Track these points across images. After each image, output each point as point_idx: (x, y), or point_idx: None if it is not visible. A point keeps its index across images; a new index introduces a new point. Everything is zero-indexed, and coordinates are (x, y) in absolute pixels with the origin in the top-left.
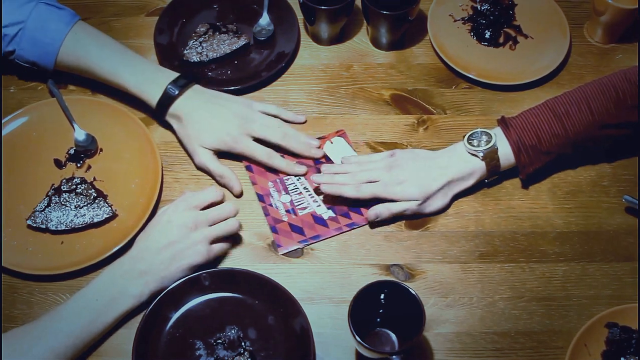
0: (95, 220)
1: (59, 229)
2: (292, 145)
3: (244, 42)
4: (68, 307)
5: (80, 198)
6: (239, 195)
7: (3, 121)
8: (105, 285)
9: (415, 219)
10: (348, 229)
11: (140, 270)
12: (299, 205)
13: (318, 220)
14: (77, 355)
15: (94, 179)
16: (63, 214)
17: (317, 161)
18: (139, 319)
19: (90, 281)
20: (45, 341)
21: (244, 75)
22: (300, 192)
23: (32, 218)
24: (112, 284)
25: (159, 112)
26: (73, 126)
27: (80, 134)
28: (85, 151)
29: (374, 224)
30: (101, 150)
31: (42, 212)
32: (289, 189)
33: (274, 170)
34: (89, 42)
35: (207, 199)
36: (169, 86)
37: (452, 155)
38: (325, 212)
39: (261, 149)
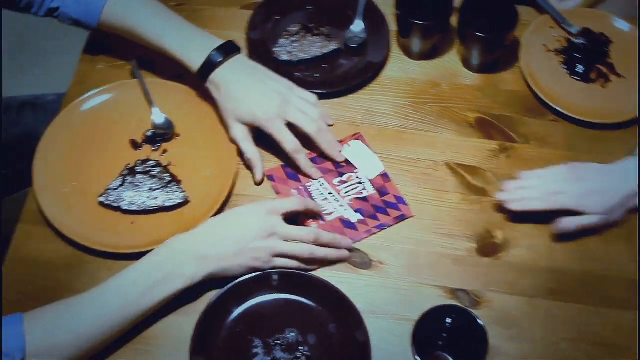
0: (167, 204)
1: (131, 209)
2: (322, 142)
3: (335, 47)
4: (119, 279)
5: (154, 181)
6: (258, 184)
7: (87, 95)
8: (161, 261)
9: (592, 233)
10: (377, 230)
11: (200, 254)
12: (325, 211)
13: (347, 224)
14: (121, 332)
15: (169, 163)
16: (136, 195)
17: (337, 164)
18: (199, 308)
19: (145, 256)
20: (92, 311)
21: (331, 80)
22: (326, 198)
23: (105, 196)
24: (168, 260)
25: (199, 78)
26: (152, 109)
27: (159, 117)
28: (162, 135)
29: (560, 236)
30: (178, 135)
31: (115, 191)
32: (313, 195)
33: (295, 178)
34: (134, 1)
35: (289, 208)
36: (212, 52)
37: (631, 168)
38: (353, 216)
39: (290, 138)
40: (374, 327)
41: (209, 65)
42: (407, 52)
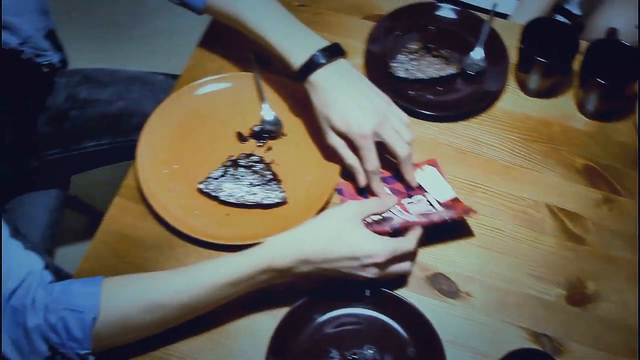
0: (265, 202)
1: (228, 200)
2: (407, 166)
3: (453, 72)
4: (215, 262)
5: (255, 176)
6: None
7: (202, 80)
8: (262, 254)
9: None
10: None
11: (304, 256)
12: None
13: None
14: (194, 314)
15: (272, 161)
16: (235, 187)
17: (408, 188)
18: (284, 309)
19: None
20: (176, 286)
21: (444, 103)
22: (394, 214)
23: (205, 183)
24: (269, 255)
25: (299, 77)
26: (263, 104)
27: (268, 114)
28: (269, 132)
29: None
30: (285, 135)
31: (216, 180)
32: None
33: (364, 195)
34: None
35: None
36: (316, 52)
37: None
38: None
39: (374, 158)
40: (450, 357)
41: (311, 65)
42: (524, 87)
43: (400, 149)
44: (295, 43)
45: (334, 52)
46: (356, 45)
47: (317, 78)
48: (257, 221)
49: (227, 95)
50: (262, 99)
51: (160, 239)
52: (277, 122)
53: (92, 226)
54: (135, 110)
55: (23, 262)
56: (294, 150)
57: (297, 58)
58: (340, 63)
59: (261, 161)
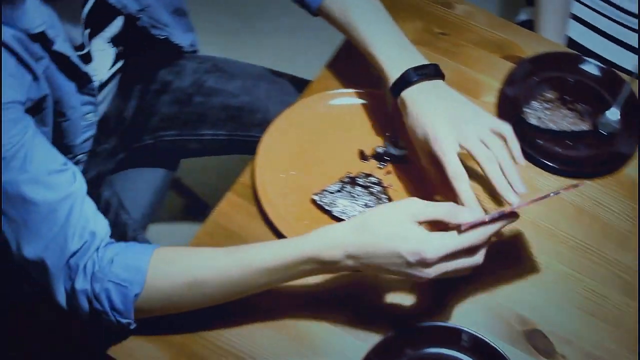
0: None
1: (340, 217)
2: (495, 176)
3: (586, 129)
4: (265, 245)
5: (371, 198)
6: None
7: (337, 91)
8: (311, 242)
9: None
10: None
11: (348, 252)
12: None
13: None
14: (238, 296)
15: (390, 185)
16: (349, 205)
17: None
18: (374, 336)
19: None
20: (225, 263)
21: (571, 158)
22: None
23: (320, 195)
24: (317, 243)
25: (392, 94)
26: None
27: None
28: (392, 156)
29: None
30: (407, 161)
31: (332, 195)
32: None
33: None
34: None
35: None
36: (410, 70)
37: None
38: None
39: (455, 160)
40: None
41: (403, 82)
42: None
43: (483, 159)
44: (393, 58)
45: (430, 71)
46: (490, 83)
47: (407, 94)
48: None
49: (356, 110)
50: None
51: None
52: (401, 147)
53: (188, 209)
54: (259, 107)
55: (90, 222)
56: (412, 178)
57: (392, 73)
58: (435, 82)
59: (379, 184)
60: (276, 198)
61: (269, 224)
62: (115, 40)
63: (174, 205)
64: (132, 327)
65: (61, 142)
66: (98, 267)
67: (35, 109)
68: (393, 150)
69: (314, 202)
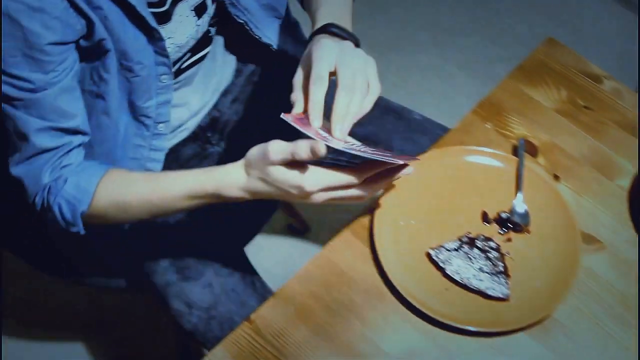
0: (489, 292)
1: (453, 277)
2: (340, 104)
3: None
4: (186, 176)
5: (487, 262)
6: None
7: (473, 148)
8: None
9: None
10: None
11: (246, 190)
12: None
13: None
14: (162, 214)
15: (508, 253)
16: (465, 267)
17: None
18: None
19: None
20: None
21: None
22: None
23: (437, 251)
24: (215, 184)
25: (309, 38)
26: (518, 194)
27: (520, 206)
28: (514, 223)
29: None
30: (529, 232)
31: (448, 252)
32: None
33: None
34: None
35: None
36: (332, 24)
37: None
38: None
39: (321, 70)
40: None
41: (321, 30)
42: None
43: (343, 80)
44: (328, 16)
45: (347, 35)
46: (627, 166)
47: (318, 38)
48: (473, 305)
49: (488, 171)
50: (518, 188)
51: (372, 287)
52: (525, 216)
53: (290, 225)
54: (382, 139)
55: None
56: (532, 251)
57: (318, 23)
58: (345, 42)
59: (497, 250)
60: (390, 244)
61: (379, 267)
62: (197, 10)
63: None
64: (82, 232)
65: (132, 100)
66: (55, 182)
67: (93, 52)
68: (517, 219)
69: (429, 255)
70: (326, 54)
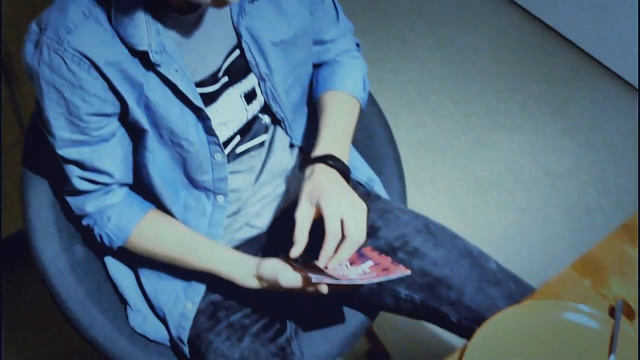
0: None
1: None
2: (329, 244)
3: None
4: (209, 247)
5: None
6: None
7: (569, 304)
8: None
9: None
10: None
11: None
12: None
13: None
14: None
15: None
16: None
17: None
18: None
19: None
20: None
21: None
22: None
23: None
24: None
25: (310, 157)
26: (610, 357)
27: None
28: None
29: None
30: None
31: None
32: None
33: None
34: None
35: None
36: (333, 155)
37: None
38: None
39: (333, 224)
40: None
41: (323, 158)
42: None
43: (332, 229)
44: (331, 141)
45: (342, 166)
46: None
47: (318, 167)
48: None
49: (580, 329)
50: (611, 350)
51: None
52: None
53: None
54: (455, 285)
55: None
56: None
57: (322, 147)
58: (338, 174)
59: None
60: None
61: None
62: (247, 97)
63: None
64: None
65: (188, 172)
66: (100, 216)
67: (133, 128)
68: None
69: None
70: (335, 210)
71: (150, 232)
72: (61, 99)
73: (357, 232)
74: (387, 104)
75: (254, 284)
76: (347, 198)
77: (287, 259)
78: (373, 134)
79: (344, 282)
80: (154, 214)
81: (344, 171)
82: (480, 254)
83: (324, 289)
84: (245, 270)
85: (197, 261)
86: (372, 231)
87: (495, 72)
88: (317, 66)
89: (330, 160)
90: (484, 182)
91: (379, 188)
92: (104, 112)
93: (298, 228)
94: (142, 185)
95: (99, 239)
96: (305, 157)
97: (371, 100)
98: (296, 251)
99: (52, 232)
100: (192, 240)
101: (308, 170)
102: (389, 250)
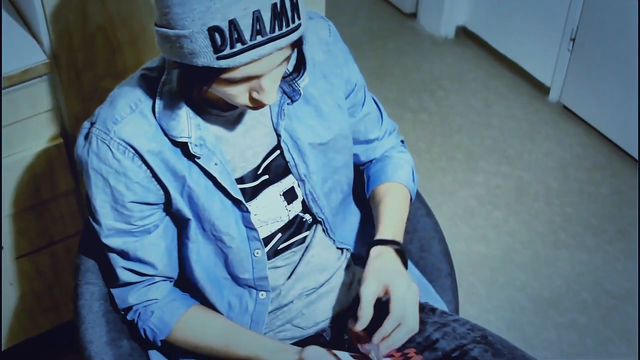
0: None
1: None
2: (388, 327)
3: None
4: (255, 340)
5: None
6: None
7: None
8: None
9: None
10: None
11: None
12: None
13: None
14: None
15: None
16: None
17: None
18: None
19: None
20: (228, 340)
21: None
22: None
23: None
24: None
25: (374, 240)
26: None
27: None
28: None
29: None
30: None
31: None
32: None
33: None
34: None
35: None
36: (394, 241)
37: None
38: None
39: (397, 308)
40: None
41: (385, 242)
42: None
43: (396, 313)
44: (391, 231)
45: (401, 250)
46: None
47: (382, 249)
48: None
49: None
50: None
51: None
52: None
53: None
54: None
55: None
56: None
57: (384, 234)
58: (395, 257)
59: None
60: None
61: None
62: (286, 195)
63: None
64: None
65: (230, 270)
66: (144, 310)
67: (176, 218)
68: None
69: None
70: (403, 295)
71: (193, 325)
72: (107, 187)
73: (415, 322)
74: (447, 216)
75: None
76: (413, 287)
77: (330, 347)
78: (428, 247)
79: None
80: (197, 308)
81: (405, 260)
82: (514, 348)
83: None
84: (288, 357)
85: (240, 350)
86: (429, 343)
87: (560, 189)
88: (365, 164)
89: (396, 246)
90: (543, 300)
91: (425, 294)
92: (147, 201)
93: (365, 302)
94: (186, 281)
95: (142, 333)
96: (370, 242)
97: (427, 213)
98: (361, 325)
99: (101, 324)
100: (235, 332)
101: (375, 251)
102: (428, 345)
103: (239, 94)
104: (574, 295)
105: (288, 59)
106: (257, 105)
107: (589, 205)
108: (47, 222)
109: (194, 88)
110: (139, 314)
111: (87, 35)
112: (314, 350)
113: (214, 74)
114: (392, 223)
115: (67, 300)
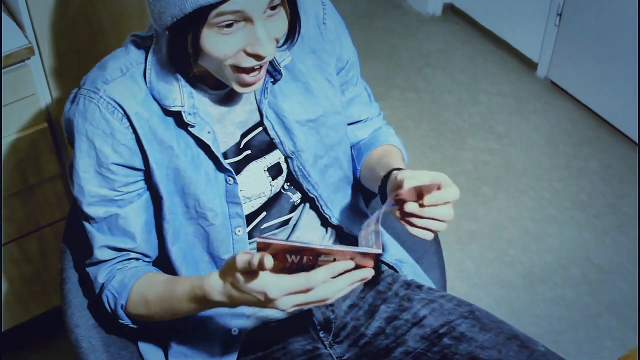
0: None
1: None
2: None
3: None
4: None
5: None
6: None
7: None
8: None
9: None
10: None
11: (224, 298)
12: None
13: None
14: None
15: None
16: None
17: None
18: None
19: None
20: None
21: None
22: None
23: None
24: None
25: (392, 171)
26: None
27: None
28: None
29: None
30: None
31: None
32: None
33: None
34: None
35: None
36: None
37: None
38: None
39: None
40: None
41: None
42: None
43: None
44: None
45: None
46: None
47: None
48: None
49: None
50: None
51: None
52: None
53: None
54: None
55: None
56: None
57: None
58: None
59: None
60: None
61: None
62: (270, 171)
63: None
64: (132, 326)
65: (211, 252)
66: (107, 280)
67: (153, 195)
68: None
69: None
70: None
71: (145, 282)
72: (92, 150)
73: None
74: None
75: (223, 296)
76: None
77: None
78: None
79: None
80: (152, 272)
81: None
82: (527, 337)
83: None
84: (215, 281)
85: (180, 294)
86: (417, 320)
87: (549, 165)
88: (353, 145)
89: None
90: (532, 275)
91: (411, 272)
92: (133, 165)
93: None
94: (165, 266)
95: (106, 302)
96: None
97: None
98: (409, 183)
99: (88, 308)
100: (176, 279)
101: (395, 175)
102: (435, 337)
103: (233, 49)
104: (563, 270)
105: (279, 10)
106: (244, 87)
107: (578, 180)
108: (34, 207)
109: (184, 54)
110: (102, 285)
111: (69, 18)
112: (230, 259)
113: (203, 15)
114: (402, 164)
115: (57, 285)
